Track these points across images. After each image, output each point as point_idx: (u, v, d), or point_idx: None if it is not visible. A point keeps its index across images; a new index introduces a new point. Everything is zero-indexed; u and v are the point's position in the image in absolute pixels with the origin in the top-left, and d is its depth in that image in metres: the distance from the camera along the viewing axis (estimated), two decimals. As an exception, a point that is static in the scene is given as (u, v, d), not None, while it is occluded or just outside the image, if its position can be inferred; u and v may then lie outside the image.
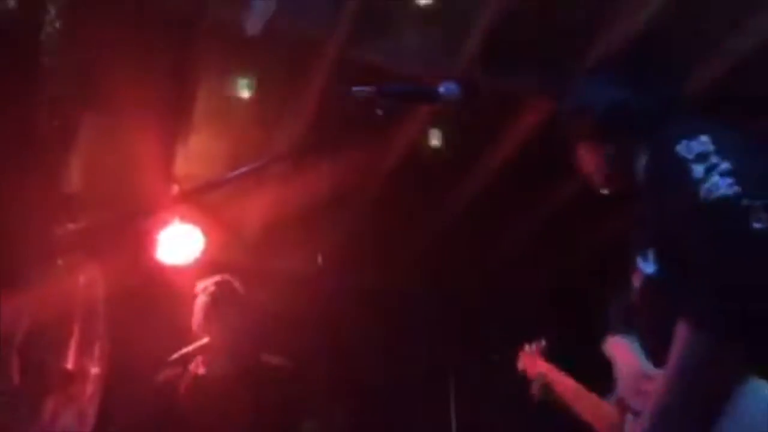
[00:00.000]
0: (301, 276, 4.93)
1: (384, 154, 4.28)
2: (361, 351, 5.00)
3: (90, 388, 3.29)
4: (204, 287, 3.15)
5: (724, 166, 1.49)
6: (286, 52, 3.57)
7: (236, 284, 3.18)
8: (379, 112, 1.77)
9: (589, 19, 3.42)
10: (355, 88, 1.80)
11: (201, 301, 3.11)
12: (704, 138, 1.56)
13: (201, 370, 3.03)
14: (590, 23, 3.45)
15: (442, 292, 5.30)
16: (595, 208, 4.55)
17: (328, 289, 4.91)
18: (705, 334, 1.43)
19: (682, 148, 1.57)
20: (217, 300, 3.07)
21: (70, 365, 3.19)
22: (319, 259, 4.89)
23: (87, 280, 3.35)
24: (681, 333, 1.46)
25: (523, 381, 3.09)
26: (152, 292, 4.24)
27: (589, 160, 1.93)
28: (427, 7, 3.35)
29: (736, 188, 1.46)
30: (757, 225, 1.42)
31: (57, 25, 2.88)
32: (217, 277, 3.19)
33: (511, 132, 4.09)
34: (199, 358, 3.05)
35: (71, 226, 3.02)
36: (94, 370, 3.33)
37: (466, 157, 4.33)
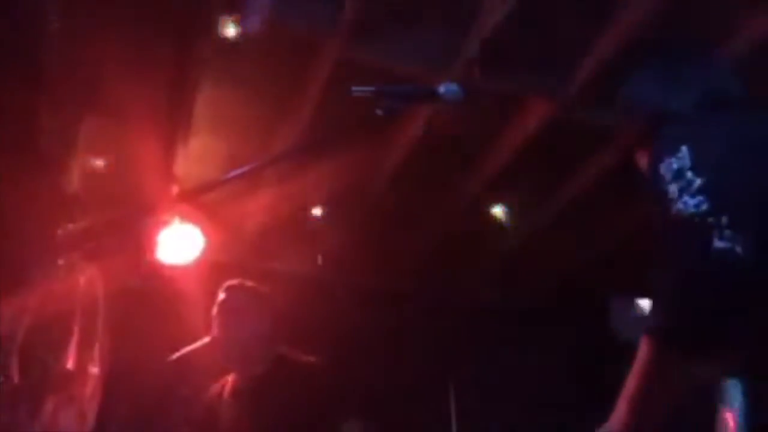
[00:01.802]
0: (301, 276, 4.93)
1: (384, 155, 4.28)
2: (361, 351, 5.00)
3: (90, 388, 3.29)
4: (219, 293, 3.12)
5: (698, 183, 1.53)
6: (286, 52, 3.57)
7: (248, 285, 3.14)
8: (379, 112, 1.78)
9: (589, 19, 3.42)
10: (355, 88, 1.80)
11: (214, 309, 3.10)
12: (683, 150, 1.58)
13: (238, 382, 3.01)
14: (590, 23, 3.45)
15: (441, 292, 5.30)
16: (595, 209, 4.59)
17: (328, 289, 4.91)
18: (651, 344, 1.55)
19: (663, 167, 1.60)
20: (223, 310, 3.06)
21: (70, 365, 3.20)
22: (319, 259, 4.88)
23: (87, 280, 3.35)
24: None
25: (522, 381, 3.04)
26: (152, 292, 4.24)
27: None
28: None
29: (705, 206, 1.50)
30: (719, 244, 1.45)
31: (57, 25, 2.88)
32: (229, 283, 3.15)
33: (510, 133, 4.09)
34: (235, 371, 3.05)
35: (71, 226, 3.03)
36: (94, 370, 3.34)
37: (466, 158, 4.33)
